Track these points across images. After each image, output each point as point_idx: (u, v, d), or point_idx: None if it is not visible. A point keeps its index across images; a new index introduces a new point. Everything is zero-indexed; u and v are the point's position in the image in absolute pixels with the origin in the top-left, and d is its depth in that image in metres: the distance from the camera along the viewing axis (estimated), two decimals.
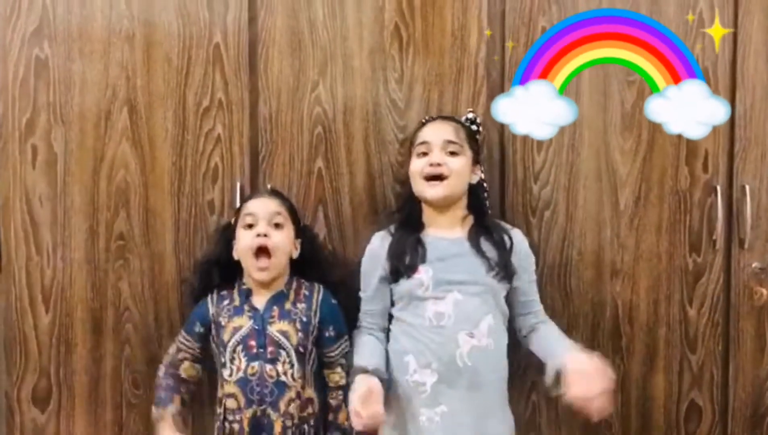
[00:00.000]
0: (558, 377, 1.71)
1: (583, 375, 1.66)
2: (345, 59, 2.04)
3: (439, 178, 1.83)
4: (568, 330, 2.07)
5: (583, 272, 2.08)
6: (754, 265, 2.09)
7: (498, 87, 2.06)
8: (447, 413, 1.77)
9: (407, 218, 1.92)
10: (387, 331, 1.90)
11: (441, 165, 1.83)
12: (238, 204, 1.99)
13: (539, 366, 2.07)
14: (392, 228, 1.93)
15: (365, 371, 1.74)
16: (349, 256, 2.04)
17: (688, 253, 2.09)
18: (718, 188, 2.07)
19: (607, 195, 2.08)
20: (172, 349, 1.91)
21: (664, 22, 2.05)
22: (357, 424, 1.67)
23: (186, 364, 1.89)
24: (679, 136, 2.06)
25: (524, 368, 2.07)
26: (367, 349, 1.83)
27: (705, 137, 2.07)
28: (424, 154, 1.86)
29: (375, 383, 1.70)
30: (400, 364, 1.82)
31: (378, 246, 1.90)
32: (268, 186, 2.00)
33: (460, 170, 1.85)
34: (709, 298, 2.09)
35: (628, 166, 2.07)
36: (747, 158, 2.08)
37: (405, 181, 2.00)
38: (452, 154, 1.85)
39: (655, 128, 2.07)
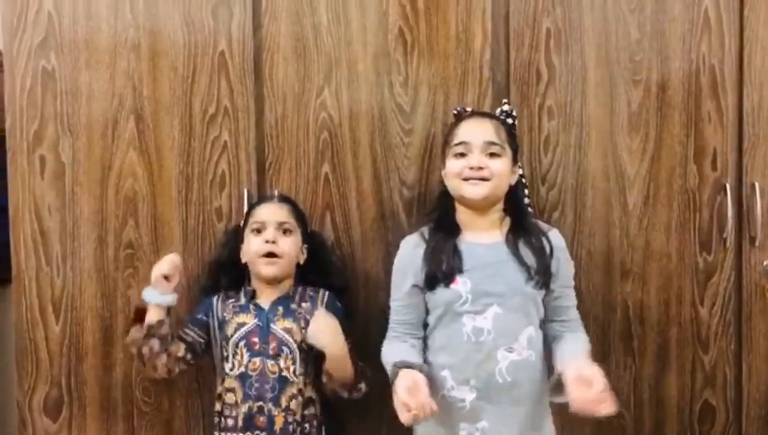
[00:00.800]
0: (557, 385, 1.67)
1: (580, 381, 1.58)
2: (350, 64, 2.04)
3: (480, 179, 1.73)
4: None
5: (593, 273, 2.07)
6: (765, 263, 2.08)
7: (504, 89, 2.06)
8: (488, 429, 1.70)
9: (441, 220, 1.82)
10: (424, 341, 1.80)
11: (482, 168, 1.72)
12: (246, 210, 2.00)
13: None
14: (425, 232, 1.82)
15: (408, 367, 1.64)
16: (357, 260, 2.04)
17: (698, 252, 2.08)
18: (728, 186, 2.06)
19: (616, 195, 2.07)
20: None
21: (670, 20, 2.05)
22: (406, 418, 1.55)
23: (176, 341, 1.85)
24: (687, 135, 2.06)
25: None
26: (403, 351, 1.73)
27: (713, 135, 2.06)
28: (462, 154, 1.75)
29: (419, 375, 1.61)
30: (437, 378, 1.73)
31: (410, 252, 1.80)
32: (276, 191, 2.00)
33: (502, 173, 1.74)
34: (721, 297, 2.08)
35: (636, 166, 2.07)
36: (756, 155, 2.07)
37: (411, 185, 2.00)
38: (492, 155, 1.74)
39: (663, 127, 2.06)
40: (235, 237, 1.94)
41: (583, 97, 2.06)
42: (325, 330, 1.77)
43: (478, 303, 1.71)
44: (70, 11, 2.02)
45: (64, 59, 2.02)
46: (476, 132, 1.76)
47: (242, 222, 1.93)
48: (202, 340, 1.90)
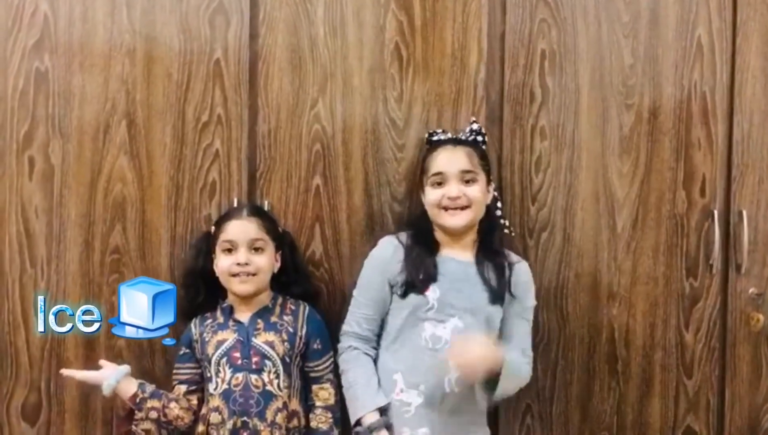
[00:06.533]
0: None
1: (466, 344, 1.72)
2: (345, 77, 2.05)
3: (459, 208, 1.83)
4: (564, 353, 2.07)
5: (580, 295, 2.08)
6: (750, 291, 2.09)
7: (497, 108, 2.07)
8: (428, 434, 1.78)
9: (420, 236, 1.90)
10: (376, 342, 1.88)
11: (459, 197, 1.82)
12: (215, 220, 1.98)
13: (534, 390, 2.07)
14: (403, 238, 1.90)
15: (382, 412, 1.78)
16: (345, 273, 2.04)
17: (684, 277, 2.09)
18: (715, 213, 2.07)
19: (605, 217, 2.08)
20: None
21: (663, 46, 2.07)
22: None
23: (176, 388, 1.89)
24: (677, 160, 2.07)
25: (518, 392, 2.06)
26: (370, 379, 1.82)
27: (703, 162, 2.08)
28: (440, 183, 1.85)
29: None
30: (388, 381, 1.82)
31: (390, 254, 1.88)
32: (244, 203, 2.00)
33: (479, 198, 1.85)
34: (706, 322, 2.09)
35: (626, 189, 2.08)
36: (744, 183, 2.09)
37: (402, 200, 2.00)
38: (468, 182, 1.84)
39: (653, 152, 2.08)
40: (206, 245, 1.92)
41: (575, 119, 2.07)
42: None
43: (442, 313, 1.80)
44: (66, 13, 2.01)
45: (58, 61, 2.01)
46: (451, 162, 1.85)
47: (212, 230, 1.92)
48: (197, 372, 1.90)
